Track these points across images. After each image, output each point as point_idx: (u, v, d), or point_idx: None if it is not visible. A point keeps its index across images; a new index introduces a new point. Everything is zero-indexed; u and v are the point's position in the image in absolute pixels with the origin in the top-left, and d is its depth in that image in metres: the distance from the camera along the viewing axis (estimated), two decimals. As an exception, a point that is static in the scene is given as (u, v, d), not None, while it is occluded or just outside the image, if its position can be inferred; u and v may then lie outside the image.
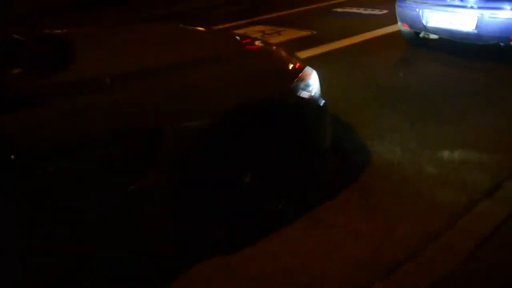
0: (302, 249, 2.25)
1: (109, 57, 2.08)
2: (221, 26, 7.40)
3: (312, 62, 5.27)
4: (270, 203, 2.35)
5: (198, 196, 2.06)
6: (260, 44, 2.68)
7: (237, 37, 2.80)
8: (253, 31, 6.99)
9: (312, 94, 2.40)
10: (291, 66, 2.42)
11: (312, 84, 2.41)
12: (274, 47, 2.72)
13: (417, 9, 4.85)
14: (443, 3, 4.60)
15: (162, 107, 1.89)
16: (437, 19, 4.72)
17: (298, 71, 2.37)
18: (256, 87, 2.14)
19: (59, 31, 2.52)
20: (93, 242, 1.85)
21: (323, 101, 2.49)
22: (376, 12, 7.63)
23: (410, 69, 4.81)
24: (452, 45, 5.07)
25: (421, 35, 5.21)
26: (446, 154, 3.02)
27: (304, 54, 5.48)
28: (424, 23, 4.83)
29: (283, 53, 2.58)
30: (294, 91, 2.29)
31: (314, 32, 6.56)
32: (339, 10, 8.24)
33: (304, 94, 2.34)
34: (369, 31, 6.35)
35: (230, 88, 2.06)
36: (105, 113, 1.77)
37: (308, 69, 2.45)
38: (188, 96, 1.95)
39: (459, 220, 2.39)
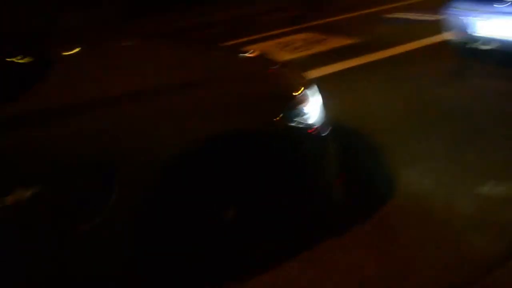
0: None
1: (76, 82, 1.95)
2: (265, 34, 7.25)
3: (349, 74, 5.02)
4: (259, 241, 2.11)
5: (169, 233, 1.88)
6: (260, 63, 2.44)
7: (236, 56, 2.57)
8: (296, 39, 6.77)
9: (309, 123, 2.13)
10: (283, 92, 2.17)
11: (309, 111, 2.15)
12: (272, 68, 2.45)
13: (467, 17, 4.37)
14: (496, 10, 4.09)
15: (124, 138, 1.72)
16: (489, 28, 4.21)
17: (290, 98, 2.12)
18: (237, 116, 1.92)
19: (35, 51, 2.40)
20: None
21: (325, 129, 2.22)
22: (428, 17, 7.09)
23: (457, 84, 4.33)
24: (507, 57, 4.53)
25: (472, 45, 4.70)
26: (486, 189, 2.60)
27: (343, 65, 5.19)
28: (475, 32, 4.34)
29: (280, 76, 2.32)
30: (283, 120, 2.04)
31: (359, 40, 6.22)
32: (389, 16, 7.78)
33: (298, 123, 2.09)
34: (418, 39, 5.87)
35: (205, 117, 1.86)
36: (57, 147, 1.63)
37: (305, 95, 2.19)
38: (153, 127, 1.77)
39: (491, 274, 2.01)
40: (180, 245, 1.94)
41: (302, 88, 2.23)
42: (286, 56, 5.88)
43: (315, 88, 2.33)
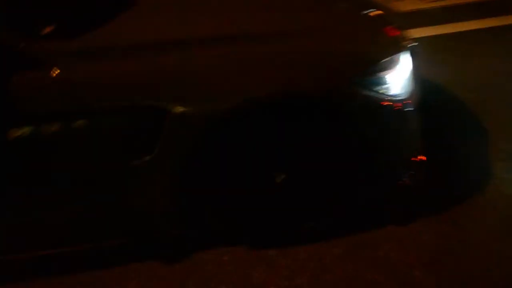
0: (325, 276, 1.88)
1: (149, 22, 1.93)
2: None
3: (483, 35, 4.17)
4: (305, 215, 1.99)
5: (215, 184, 1.86)
6: (344, 14, 2.16)
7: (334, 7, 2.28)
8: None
9: (390, 94, 1.86)
10: (363, 55, 1.90)
11: (394, 81, 1.87)
12: (359, 23, 2.14)
13: None
14: None
15: (184, 84, 1.72)
16: None
17: (372, 63, 1.86)
18: (301, 75, 1.77)
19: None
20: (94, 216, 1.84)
21: (411, 102, 1.92)
22: None
23: None
24: None
25: None
26: None
27: (479, 24, 4.35)
28: None
29: (365, 35, 2.01)
30: (358, 87, 1.80)
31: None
32: None
33: (376, 92, 1.83)
34: None
35: (270, 73, 1.75)
36: (115, 82, 1.68)
37: (394, 61, 1.88)
38: (207, 78, 1.73)
39: None
40: (226, 198, 1.92)
41: (393, 52, 1.92)
42: (411, 6, 5.19)
43: (410, 53, 2.00)
